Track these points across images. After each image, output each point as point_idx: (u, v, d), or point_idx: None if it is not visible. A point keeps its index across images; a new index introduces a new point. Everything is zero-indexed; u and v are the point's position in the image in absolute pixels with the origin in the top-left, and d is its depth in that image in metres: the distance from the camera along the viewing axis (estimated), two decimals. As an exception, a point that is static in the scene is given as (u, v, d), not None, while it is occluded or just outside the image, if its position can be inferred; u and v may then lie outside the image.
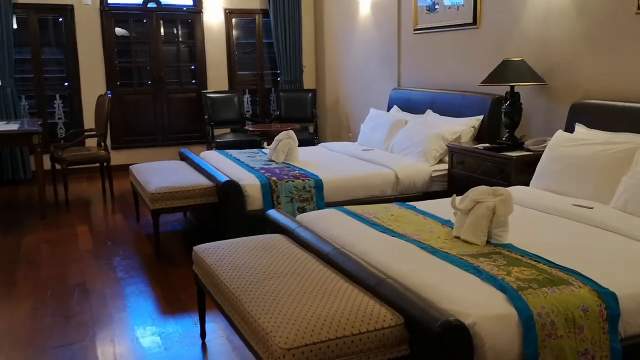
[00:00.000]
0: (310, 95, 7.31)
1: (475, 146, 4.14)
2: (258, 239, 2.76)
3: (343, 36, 7.07)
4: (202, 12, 7.41)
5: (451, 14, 5.07)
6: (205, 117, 7.02)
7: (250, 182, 4.09)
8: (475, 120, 4.60)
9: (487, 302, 1.96)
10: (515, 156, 3.78)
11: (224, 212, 4.05)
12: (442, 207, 3.22)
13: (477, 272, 2.16)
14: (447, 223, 2.85)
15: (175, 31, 7.53)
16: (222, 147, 6.66)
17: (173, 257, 4.17)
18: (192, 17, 7.45)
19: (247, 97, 7.77)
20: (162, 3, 7.34)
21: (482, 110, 4.61)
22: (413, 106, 5.47)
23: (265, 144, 5.04)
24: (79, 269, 3.95)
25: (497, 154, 3.90)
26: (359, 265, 2.28)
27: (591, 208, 2.98)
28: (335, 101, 7.46)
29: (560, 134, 3.58)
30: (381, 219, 2.93)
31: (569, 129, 3.70)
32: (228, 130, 7.36)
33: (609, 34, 3.62)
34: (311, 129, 7.43)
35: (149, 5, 7.28)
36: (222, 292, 2.33)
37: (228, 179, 4.05)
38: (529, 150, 3.93)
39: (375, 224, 2.85)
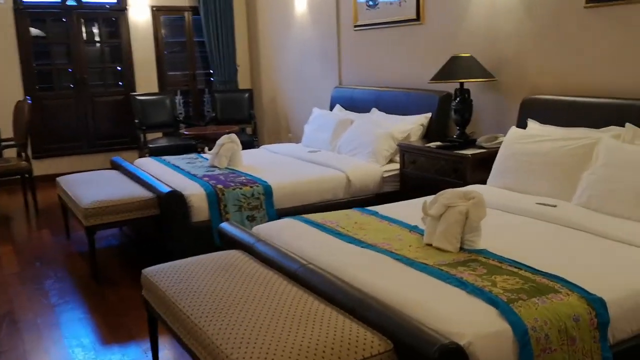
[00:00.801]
0: (246, 95, 7.04)
1: (428, 145, 4.04)
2: (214, 257, 2.51)
3: (279, 33, 6.85)
4: (126, 10, 6.97)
5: (393, 9, 4.97)
6: (136, 121, 6.60)
7: (194, 192, 3.81)
8: (424, 118, 4.51)
9: (479, 318, 1.82)
10: (471, 154, 3.70)
11: (167, 225, 3.75)
12: (404, 210, 3.09)
13: (462, 284, 2.01)
14: (414, 229, 2.71)
15: (97, 30, 7.05)
16: (156, 152, 6.27)
17: (112, 277, 3.83)
18: (116, 15, 7.00)
19: (179, 99, 7.39)
20: (83, 1, 6.86)
21: (430, 108, 4.53)
22: (357, 105, 5.33)
23: (206, 148, 4.75)
24: (4, 295, 3.54)
25: (451, 153, 3.81)
26: (333, 284, 2.08)
27: (555, 206, 2.93)
28: (272, 101, 7.23)
29: (514, 130, 3.54)
30: (345, 228, 2.75)
31: (521, 124, 3.66)
32: (160, 134, 6.97)
33: (557, 28, 3.61)
34: (249, 130, 7.17)
35: (67, 3, 6.77)
36: (181, 322, 2.08)
37: (170, 189, 3.75)
38: (482, 147, 3.87)
39: (340, 233, 2.67)
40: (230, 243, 2.78)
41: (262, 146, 5.57)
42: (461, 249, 2.42)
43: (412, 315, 1.84)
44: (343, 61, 5.76)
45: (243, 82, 7.57)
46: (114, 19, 7.03)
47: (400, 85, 4.95)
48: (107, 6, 6.96)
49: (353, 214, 3.03)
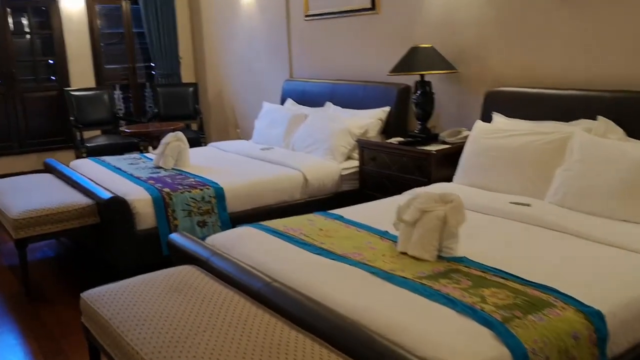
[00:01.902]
0: (191, 89, 6.66)
1: (389, 141, 3.83)
2: (164, 276, 2.22)
3: (224, 23, 6.50)
4: (58, -1, 6.46)
5: (346, -2, 4.73)
6: (71, 118, 6.13)
7: (138, 197, 3.47)
8: (382, 112, 4.31)
9: (474, 343, 1.61)
10: (435, 150, 3.52)
11: (108, 234, 3.40)
12: (370, 213, 2.88)
13: (450, 302, 1.80)
14: (385, 235, 2.50)
15: (26, 21, 6.50)
16: (94, 152, 5.84)
17: (48, 294, 3.45)
18: (47, 4, 6.46)
19: (118, 94, 6.92)
20: (8, -13, 6.30)
21: (388, 101, 4.32)
22: (310, 98, 5.08)
23: (150, 148, 4.40)
24: None
25: (414, 149, 3.62)
26: (304, 306, 1.83)
27: (529, 205, 2.78)
28: (218, 95, 6.89)
29: (479, 124, 3.37)
30: (310, 236, 2.50)
31: (485, 118, 3.50)
32: (99, 132, 6.51)
33: (522, 16, 3.46)
34: (195, 126, 6.80)
35: (-9, -10, 6.21)
36: (129, 357, 1.78)
37: (111, 194, 3.40)
38: (445, 142, 3.69)
39: (305, 243, 2.42)
40: (181, 257, 2.49)
41: (210, 144, 5.24)
42: (439, 257, 2.22)
43: (399, 342, 1.61)
44: (294, 53, 5.49)
45: (186, 75, 7.18)
46: (44, 8, 6.50)
47: (356, 77, 4.73)
48: (36, -6, 6.43)
49: (316, 219, 2.78)
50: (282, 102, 5.41)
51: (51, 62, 6.66)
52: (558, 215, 2.63)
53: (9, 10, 6.30)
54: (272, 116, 5.03)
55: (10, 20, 6.32)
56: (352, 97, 4.64)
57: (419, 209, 2.26)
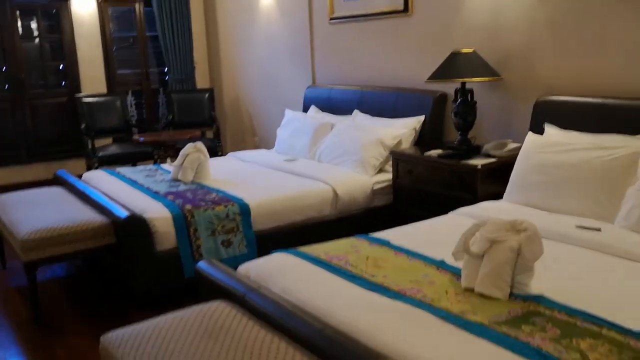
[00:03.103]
0: (207, 95, 6.38)
1: (428, 153, 3.54)
2: (195, 315, 1.93)
3: (242, 27, 6.23)
4: (68, 1, 6.20)
5: (375, 0, 4.44)
6: (82, 126, 5.86)
7: (158, 214, 3.19)
8: (416, 122, 4.01)
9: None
10: (481, 165, 3.22)
11: (125, 255, 3.12)
12: (418, 237, 2.59)
13: (544, 359, 1.51)
14: (442, 266, 2.20)
15: (36, 24, 6.24)
16: (106, 162, 5.58)
17: (58, 321, 3.15)
18: (57, 6, 6.21)
19: (131, 100, 6.66)
20: (17, -10, 6.05)
21: (423, 110, 4.03)
22: (335, 106, 4.79)
23: (169, 160, 4.12)
24: None
25: (457, 163, 3.32)
26: (369, 361, 1.54)
27: (599, 230, 2.47)
28: (235, 101, 6.61)
29: (532, 137, 3.07)
30: (357, 267, 2.21)
31: (536, 129, 3.20)
32: (110, 140, 6.24)
33: (577, 18, 3.16)
34: (210, 134, 6.52)
35: (-1, -7, 5.96)
36: (160, 423, 1.49)
37: (128, 212, 3.12)
38: (489, 155, 3.39)
39: (353, 275, 2.12)
40: (212, 289, 2.20)
41: (230, 154, 4.95)
42: (511, 294, 1.92)
43: (493, 414, 1.32)
44: (317, 57, 5.21)
45: (201, 80, 6.91)
46: (54, 11, 6.24)
47: (386, 84, 4.44)
48: (46, -3, 6.18)
49: (360, 244, 2.48)
50: (304, 109, 5.13)
51: (61, 67, 6.40)
52: (633, 242, 2.32)
53: (18, 13, 6.04)
54: (296, 125, 4.74)
55: (19, 23, 6.07)
56: (383, 105, 4.35)
57: (488, 238, 1.96)
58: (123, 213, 3.11)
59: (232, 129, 6.74)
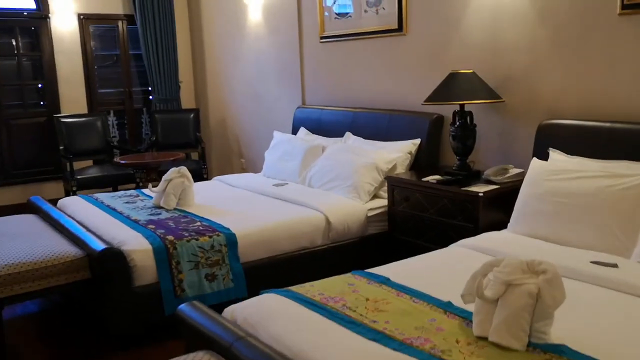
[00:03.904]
0: (192, 116, 6.17)
1: (426, 179, 3.34)
2: (176, 369, 1.70)
3: (228, 45, 6.04)
4: (48, 18, 5.98)
5: (368, 18, 4.28)
6: (61, 147, 5.61)
7: (137, 246, 2.95)
8: (412, 145, 3.83)
9: None
10: (482, 192, 3.03)
11: (101, 291, 2.88)
12: (419, 273, 2.39)
13: None
14: (449, 309, 1.99)
15: (13, 41, 6.01)
16: (85, 185, 5.34)
17: (28, 362, 2.90)
18: (36, 23, 5.99)
19: (112, 120, 6.44)
20: (-5, 6, 5.83)
21: (418, 133, 3.85)
22: (326, 128, 4.61)
23: (150, 186, 3.89)
24: None
25: (457, 190, 3.13)
26: None
27: (615, 266, 2.29)
28: (221, 122, 6.40)
29: (536, 163, 2.90)
30: (357, 310, 2.00)
31: (539, 154, 3.03)
32: (91, 162, 5.98)
33: (582, 38, 3.01)
34: (195, 155, 6.30)
35: (-24, 9, 5.73)
36: None
37: (105, 245, 2.88)
38: (490, 182, 3.21)
39: (353, 321, 1.91)
40: (195, 334, 1.97)
41: (215, 178, 4.73)
42: (529, 343, 1.72)
43: None
44: (307, 77, 5.03)
45: (187, 100, 6.70)
46: (33, 28, 6.02)
47: (380, 105, 4.26)
48: (25, 13, 5.94)
49: (358, 283, 2.27)
50: (294, 131, 4.93)
51: (40, 86, 6.16)
52: (655, 280, 2.14)
53: (-5, 30, 5.82)
54: (285, 147, 4.53)
55: (-4, 41, 5.84)
56: (376, 127, 4.17)
57: (504, 281, 1.76)
58: (99, 246, 2.87)
59: (218, 151, 6.53)
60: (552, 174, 2.75)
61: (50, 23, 5.99)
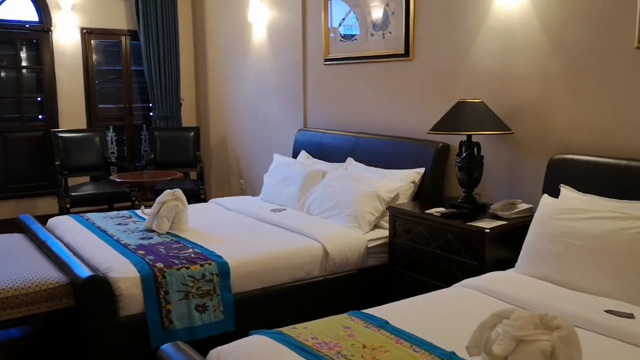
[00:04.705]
0: (192, 134, 6.05)
1: (430, 211, 3.20)
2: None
3: (232, 64, 5.95)
4: (51, 31, 5.91)
5: (374, 42, 4.18)
6: (57, 162, 5.49)
7: (124, 274, 2.81)
8: (416, 174, 3.70)
9: None
10: (489, 228, 2.89)
11: (85, 321, 2.72)
12: (420, 316, 2.24)
13: None
14: (452, 358, 1.84)
15: (14, 53, 5.92)
16: (79, 202, 5.21)
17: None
18: (38, 36, 5.91)
19: (111, 136, 6.33)
20: (-3, 17, 5.76)
21: (423, 162, 3.72)
22: (327, 152, 4.48)
23: (143, 207, 3.75)
24: None
25: (462, 224, 2.98)
26: None
27: (631, 317, 2.13)
28: (221, 142, 6.28)
29: (547, 200, 2.75)
30: (352, 359, 1.84)
31: (550, 190, 2.89)
32: (87, 178, 5.86)
33: (596, 71, 2.89)
34: (194, 175, 6.17)
35: (-23, 20, 5.66)
36: None
37: (90, 272, 2.73)
38: (497, 217, 3.06)
39: (348, 372, 1.76)
40: (176, 381, 1.82)
41: (212, 200, 4.59)
42: (540, 406, 1.56)
43: None
44: (309, 100, 4.92)
45: (187, 118, 6.60)
46: (35, 40, 5.94)
47: (383, 132, 4.14)
48: (27, 25, 5.87)
49: (355, 326, 2.12)
50: (294, 154, 4.81)
51: (39, 99, 6.06)
52: (677, 335, 1.99)
53: (-5, 42, 5.74)
54: (284, 171, 4.40)
55: (-4, 52, 5.76)
56: (378, 154, 4.04)
57: (514, 336, 1.61)
58: (84, 272, 2.72)
59: (217, 171, 6.40)
60: (563, 213, 2.60)
61: (52, 36, 5.91)
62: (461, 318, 2.19)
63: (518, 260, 2.70)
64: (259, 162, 5.52)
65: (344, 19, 4.45)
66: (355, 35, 4.35)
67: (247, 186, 5.84)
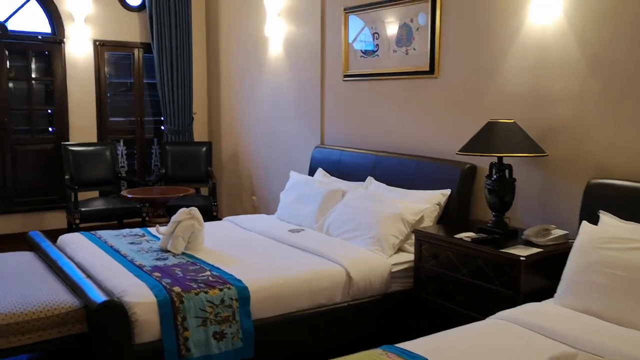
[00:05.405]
0: (204, 149, 5.93)
1: (459, 236, 3.06)
2: None
3: (246, 79, 5.84)
4: (63, 43, 5.82)
5: (397, 58, 4.06)
6: (66, 176, 5.37)
7: (140, 298, 2.67)
8: (441, 196, 3.56)
9: None
10: (525, 256, 2.74)
11: (98, 348, 2.58)
12: (459, 352, 2.08)
13: None
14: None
15: (26, 65, 5.83)
16: (89, 218, 5.08)
17: None
18: (50, 48, 5.82)
19: (122, 149, 6.22)
20: (9, 29, 5.67)
21: (448, 183, 3.58)
22: (345, 170, 4.35)
23: (157, 226, 3.62)
24: None
25: (495, 251, 2.84)
26: None
27: (689, 357, 1.98)
28: (233, 157, 6.16)
29: (588, 228, 2.61)
30: (394, 403, 1.70)
31: (588, 217, 2.74)
32: (97, 193, 5.74)
33: (638, 93, 2.75)
34: (205, 191, 6.04)
35: (-11, 31, 5.58)
36: None
37: (105, 297, 2.60)
38: (531, 243, 2.92)
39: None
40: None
41: (226, 218, 4.46)
42: None
43: None
44: (327, 116, 4.80)
45: (198, 133, 6.48)
46: (47, 52, 5.85)
47: (405, 151, 4.01)
48: (40, 37, 5.78)
49: (391, 363, 1.98)
50: (311, 172, 4.68)
51: (50, 111, 5.96)
52: None
53: (7, 52, 5.63)
54: (302, 189, 4.27)
55: (7, 63, 5.65)
56: (400, 173, 3.90)
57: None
58: (99, 297, 2.59)
59: (228, 187, 6.27)
60: (606, 242, 2.46)
61: (64, 48, 5.82)
62: (503, 355, 2.05)
63: (557, 291, 2.55)
64: (273, 179, 5.39)
65: (358, 34, 4.36)
66: (376, 51, 4.23)
67: (260, 203, 5.71)
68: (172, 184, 5.68)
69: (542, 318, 2.35)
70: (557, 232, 2.93)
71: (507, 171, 3.09)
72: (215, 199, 5.55)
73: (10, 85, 5.70)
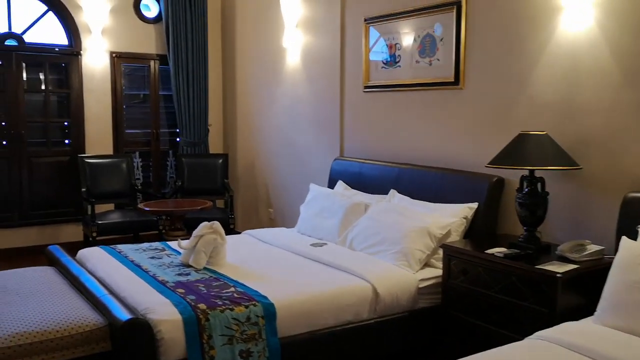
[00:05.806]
0: (220, 161, 5.88)
1: (490, 251, 2.97)
2: None
3: (262, 90, 5.80)
4: (80, 55, 5.80)
5: (420, 69, 4.00)
6: (83, 189, 5.33)
7: (165, 316, 2.60)
8: (468, 210, 3.48)
9: None
10: (561, 272, 2.65)
11: (121, 368, 2.52)
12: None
13: None
14: None
15: (42, 77, 5.81)
16: (106, 231, 5.03)
17: None
18: (67, 60, 5.81)
19: (137, 162, 6.18)
20: (26, 41, 5.66)
21: (475, 196, 3.50)
22: (367, 183, 4.28)
23: (179, 240, 3.55)
24: None
25: (530, 267, 2.75)
26: None
27: None
28: (250, 169, 6.10)
29: (628, 244, 2.51)
30: None
31: (625, 232, 2.65)
32: (112, 206, 5.69)
33: (677, 105, 2.67)
34: (221, 203, 5.98)
35: (6, 43, 5.56)
36: None
37: (130, 315, 2.53)
38: (565, 259, 2.83)
39: None
40: None
41: (245, 232, 4.39)
42: None
43: None
44: (346, 128, 4.73)
45: (214, 145, 6.44)
46: (63, 64, 5.83)
47: (429, 163, 3.93)
48: (57, 49, 5.77)
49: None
50: (330, 184, 4.61)
51: (66, 123, 5.94)
52: None
53: (24, 65, 5.62)
54: (323, 203, 4.19)
55: (24, 75, 5.63)
56: (424, 186, 3.82)
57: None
58: (123, 315, 2.52)
59: (244, 199, 6.21)
60: (649, 259, 2.37)
61: (81, 60, 5.80)
62: (549, 379, 1.96)
63: (597, 310, 2.46)
64: (291, 191, 5.33)
65: (374, 44, 4.31)
66: (398, 62, 4.17)
67: (277, 216, 5.64)
68: (188, 196, 5.63)
69: (584, 338, 2.26)
70: (593, 248, 2.84)
71: (539, 184, 3.00)
72: (233, 212, 5.48)
73: (27, 97, 5.68)
